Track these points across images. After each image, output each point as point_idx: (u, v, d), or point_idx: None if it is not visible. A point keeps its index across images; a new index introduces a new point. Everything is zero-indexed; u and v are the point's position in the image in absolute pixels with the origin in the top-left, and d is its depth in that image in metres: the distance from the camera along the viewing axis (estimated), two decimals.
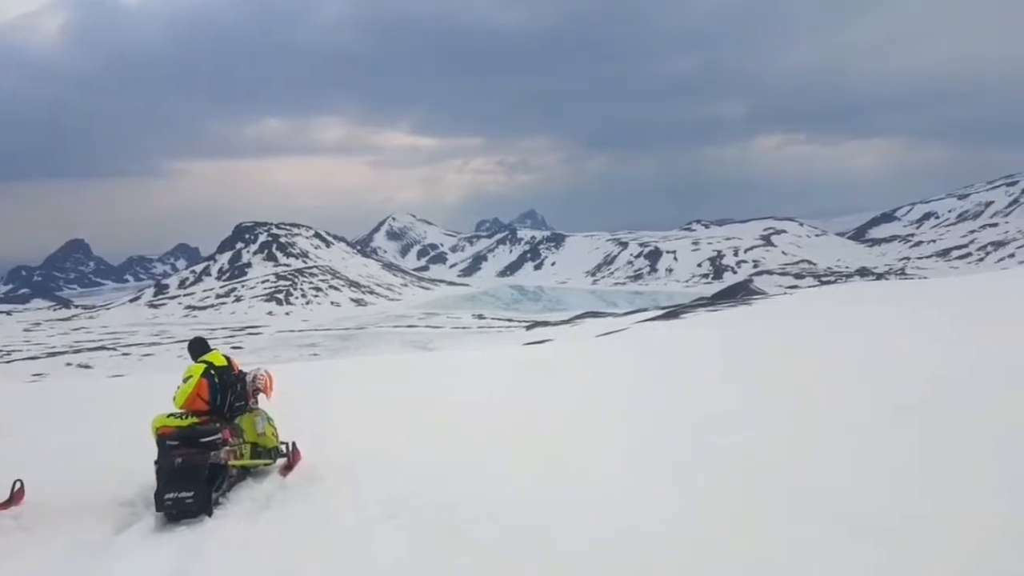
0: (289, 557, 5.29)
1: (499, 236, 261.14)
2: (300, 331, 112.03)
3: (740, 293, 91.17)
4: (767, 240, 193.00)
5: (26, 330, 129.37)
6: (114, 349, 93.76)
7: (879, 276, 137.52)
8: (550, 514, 5.79)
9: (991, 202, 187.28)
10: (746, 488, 6.04)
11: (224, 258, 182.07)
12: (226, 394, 7.02)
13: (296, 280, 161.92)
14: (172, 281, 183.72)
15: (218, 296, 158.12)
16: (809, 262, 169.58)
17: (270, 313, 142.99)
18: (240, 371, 7.44)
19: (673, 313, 43.12)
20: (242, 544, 5.56)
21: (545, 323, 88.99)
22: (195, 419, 6.54)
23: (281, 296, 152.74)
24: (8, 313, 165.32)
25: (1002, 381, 8.85)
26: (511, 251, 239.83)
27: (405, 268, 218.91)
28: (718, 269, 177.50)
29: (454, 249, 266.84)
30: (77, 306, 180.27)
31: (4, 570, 5.28)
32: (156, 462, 6.26)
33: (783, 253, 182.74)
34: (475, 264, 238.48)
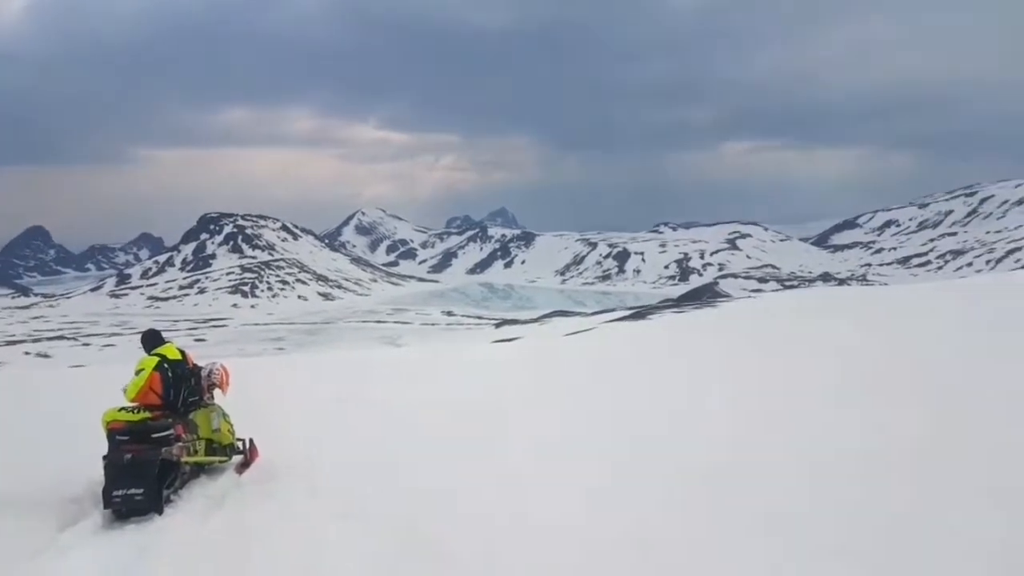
0: (241, 557, 5.19)
1: (470, 233, 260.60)
2: (266, 324, 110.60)
3: (706, 295, 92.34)
4: (732, 244, 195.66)
5: None
6: (74, 339, 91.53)
7: (841, 282, 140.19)
8: (504, 514, 5.79)
9: (951, 211, 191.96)
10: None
11: (188, 249, 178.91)
12: (180, 388, 6.85)
13: (262, 272, 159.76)
14: (135, 271, 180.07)
15: (181, 287, 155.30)
16: (773, 267, 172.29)
17: (235, 305, 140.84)
18: (195, 365, 7.28)
19: (640, 314, 43.50)
20: (193, 543, 5.44)
21: (514, 321, 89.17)
22: (147, 414, 6.36)
23: (247, 288, 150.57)
24: None
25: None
26: (481, 249, 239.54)
27: (374, 263, 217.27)
28: (684, 271, 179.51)
29: (424, 245, 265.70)
30: (37, 294, 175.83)
31: None
32: (105, 457, 6.09)
33: (748, 257, 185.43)
34: (445, 261, 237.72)
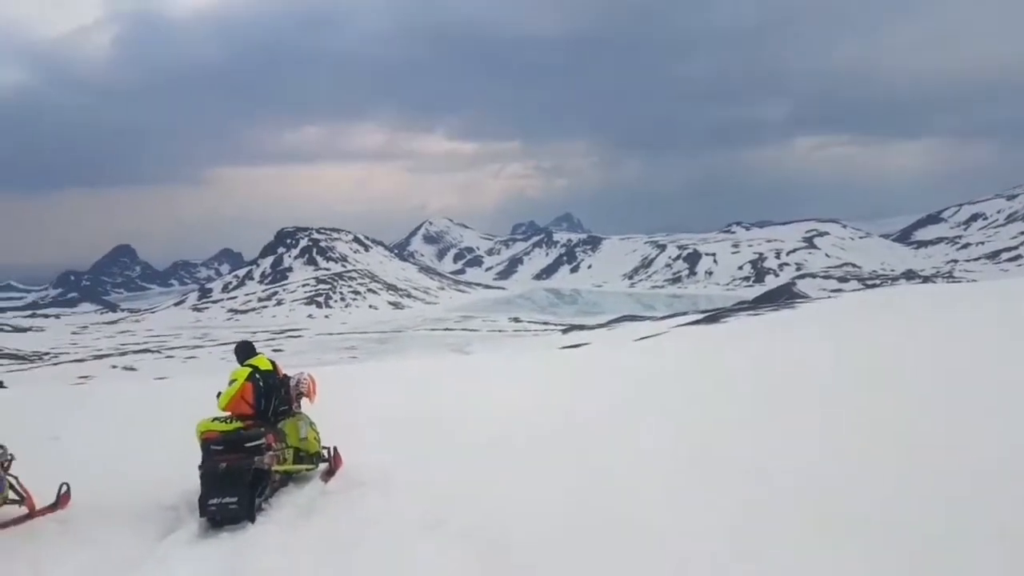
0: (331, 567, 5.17)
1: (535, 239, 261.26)
2: (339, 334, 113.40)
3: (783, 297, 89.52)
4: (810, 242, 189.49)
5: (74, 333, 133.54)
6: (158, 352, 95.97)
7: (926, 279, 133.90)
8: (597, 525, 5.59)
9: None
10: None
11: (266, 262, 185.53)
12: (271, 398, 6.95)
13: (335, 284, 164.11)
14: (216, 285, 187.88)
15: (260, 300, 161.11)
16: (853, 265, 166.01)
17: (310, 316, 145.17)
18: (284, 375, 7.37)
19: (714, 317, 42.47)
20: (284, 551, 5.46)
21: (582, 327, 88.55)
22: (240, 423, 6.47)
23: (321, 299, 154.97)
24: (57, 317, 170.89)
25: None
26: (547, 254, 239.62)
27: (441, 272, 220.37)
28: (759, 272, 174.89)
29: (490, 252, 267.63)
30: (123, 310, 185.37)
31: (50, 575, 5.25)
32: (200, 466, 6.20)
33: (826, 256, 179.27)
34: (511, 267, 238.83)
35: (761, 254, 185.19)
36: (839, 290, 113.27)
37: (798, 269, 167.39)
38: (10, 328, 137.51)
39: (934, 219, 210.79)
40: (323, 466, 7.61)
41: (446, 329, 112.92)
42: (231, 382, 6.84)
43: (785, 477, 6.38)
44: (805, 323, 23.41)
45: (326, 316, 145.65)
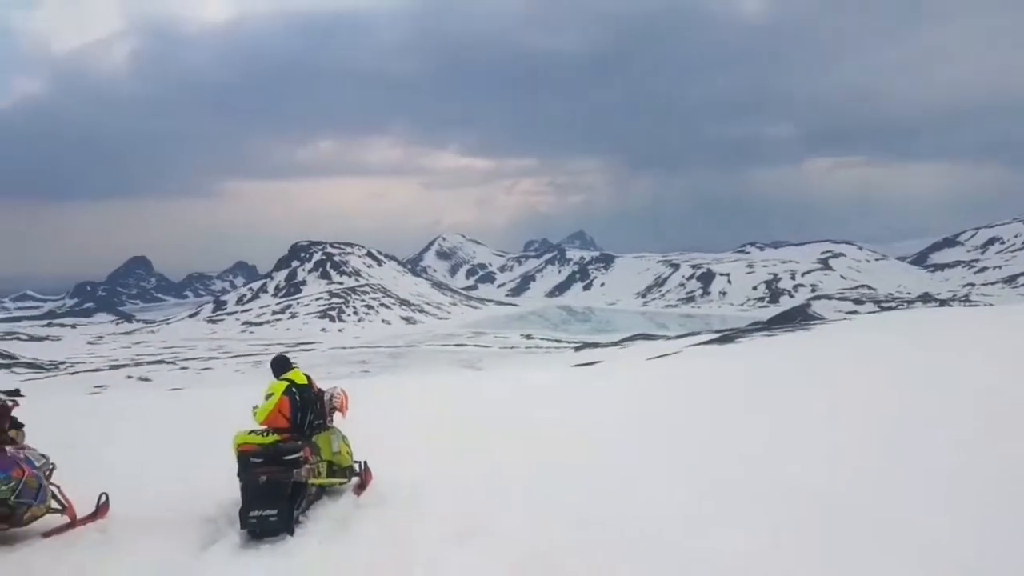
0: None
1: (548, 256, 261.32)
2: (352, 348, 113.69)
3: (798, 318, 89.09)
4: (825, 264, 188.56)
5: (89, 343, 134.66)
6: (173, 363, 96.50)
7: (942, 303, 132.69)
8: (631, 536, 5.70)
9: None
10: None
11: (280, 276, 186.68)
12: (306, 412, 7.06)
13: (349, 298, 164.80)
14: (230, 297, 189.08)
15: (274, 312, 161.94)
16: (869, 287, 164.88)
17: (323, 330, 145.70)
18: (319, 389, 7.50)
19: (728, 337, 42.26)
20: (324, 564, 5.55)
21: (595, 344, 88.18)
22: (277, 436, 6.59)
23: (334, 313, 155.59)
24: (73, 327, 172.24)
25: None
26: (560, 271, 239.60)
27: (454, 287, 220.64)
28: (774, 293, 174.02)
29: (503, 269, 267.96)
30: (139, 321, 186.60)
31: None
32: (239, 478, 6.31)
33: (842, 277, 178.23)
34: (524, 284, 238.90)
35: (776, 275, 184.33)
36: (855, 312, 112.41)
37: (813, 290, 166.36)
38: (27, 337, 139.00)
39: (951, 242, 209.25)
40: (355, 480, 7.72)
41: (458, 345, 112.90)
42: (268, 396, 6.96)
43: (811, 499, 6.43)
44: (836, 344, 23.37)
45: (339, 330, 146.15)
